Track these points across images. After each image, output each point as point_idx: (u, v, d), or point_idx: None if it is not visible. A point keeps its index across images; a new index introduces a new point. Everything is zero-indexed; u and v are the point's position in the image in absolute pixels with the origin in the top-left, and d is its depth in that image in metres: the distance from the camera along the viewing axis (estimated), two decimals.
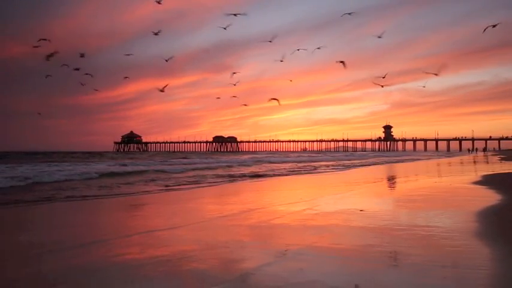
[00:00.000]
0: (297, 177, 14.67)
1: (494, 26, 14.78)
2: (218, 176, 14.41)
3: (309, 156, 47.78)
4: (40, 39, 19.09)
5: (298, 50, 26.05)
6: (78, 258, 3.51)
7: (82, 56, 21.57)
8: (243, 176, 14.50)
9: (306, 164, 25.35)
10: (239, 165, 23.11)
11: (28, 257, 3.62)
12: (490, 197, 7.01)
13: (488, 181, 10.50)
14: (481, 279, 2.79)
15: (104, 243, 4.02)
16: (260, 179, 13.62)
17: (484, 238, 3.95)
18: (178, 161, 27.97)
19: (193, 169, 18.48)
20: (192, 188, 10.39)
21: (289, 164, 25.35)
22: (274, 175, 15.37)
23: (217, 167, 20.72)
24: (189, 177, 13.99)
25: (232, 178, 13.59)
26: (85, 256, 3.59)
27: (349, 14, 19.44)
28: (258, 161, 28.54)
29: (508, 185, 9.75)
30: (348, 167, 22.21)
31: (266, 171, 17.97)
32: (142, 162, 26.44)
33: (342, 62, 20.84)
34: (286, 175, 15.46)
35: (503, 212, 5.60)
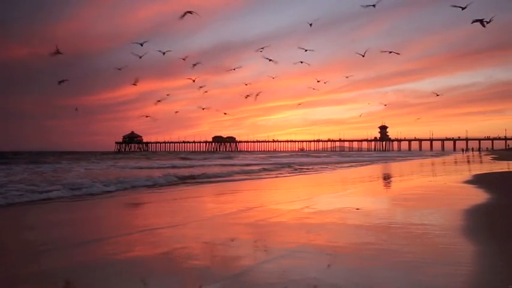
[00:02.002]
0: (296, 176, 14.79)
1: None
2: None
3: (316, 156, 46.57)
4: None
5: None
6: (87, 255, 3.58)
7: (57, 52, 20.18)
8: None
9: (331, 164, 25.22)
10: (277, 168, 19.99)
11: (32, 254, 3.69)
12: (479, 196, 7.20)
13: (479, 180, 10.68)
14: (473, 276, 2.89)
15: (110, 240, 4.10)
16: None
17: (473, 236, 4.06)
18: (195, 163, 26.19)
19: (245, 172, 16.74)
20: None
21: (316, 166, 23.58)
22: None
23: (259, 170, 18.29)
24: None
25: None
26: (90, 254, 3.66)
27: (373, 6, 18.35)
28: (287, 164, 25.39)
29: (496, 184, 9.97)
30: (345, 166, 22.34)
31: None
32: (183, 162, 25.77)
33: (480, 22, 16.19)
34: None
35: (490, 211, 5.77)
